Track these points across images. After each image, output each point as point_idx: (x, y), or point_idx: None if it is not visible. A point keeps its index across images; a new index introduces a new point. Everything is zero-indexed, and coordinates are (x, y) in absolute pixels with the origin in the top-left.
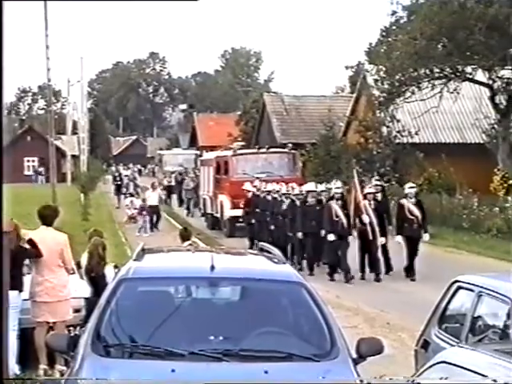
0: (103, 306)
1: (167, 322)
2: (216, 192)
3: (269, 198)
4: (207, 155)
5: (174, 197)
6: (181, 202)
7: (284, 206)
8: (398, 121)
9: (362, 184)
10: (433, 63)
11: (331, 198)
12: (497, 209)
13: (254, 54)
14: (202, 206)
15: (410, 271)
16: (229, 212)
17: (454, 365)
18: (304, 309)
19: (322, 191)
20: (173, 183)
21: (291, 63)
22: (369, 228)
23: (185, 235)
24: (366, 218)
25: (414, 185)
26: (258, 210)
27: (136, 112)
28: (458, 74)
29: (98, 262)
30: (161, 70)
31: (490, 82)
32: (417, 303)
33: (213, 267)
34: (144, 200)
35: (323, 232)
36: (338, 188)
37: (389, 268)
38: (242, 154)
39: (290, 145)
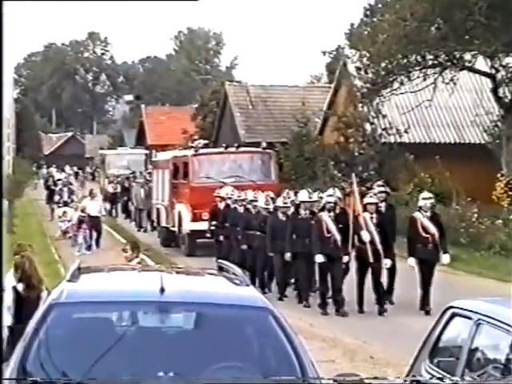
0: (30, 336)
1: (107, 356)
2: (173, 200)
3: (240, 209)
4: (161, 155)
5: (120, 207)
6: (127, 213)
7: (259, 220)
8: (384, 116)
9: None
10: (425, 48)
11: (322, 209)
12: (500, 221)
13: (214, 36)
14: (154, 218)
15: (424, 302)
16: (188, 225)
17: None
18: (270, 339)
19: (314, 201)
20: (118, 190)
21: (258, 47)
22: (369, 247)
23: (124, 249)
24: (365, 235)
25: (429, 195)
26: (227, 224)
27: (72, 103)
28: (455, 61)
29: (27, 282)
30: (102, 54)
31: (493, 71)
32: (404, 333)
33: (162, 290)
34: (83, 210)
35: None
36: (329, 196)
37: (390, 296)
38: (205, 154)
39: (264, 143)
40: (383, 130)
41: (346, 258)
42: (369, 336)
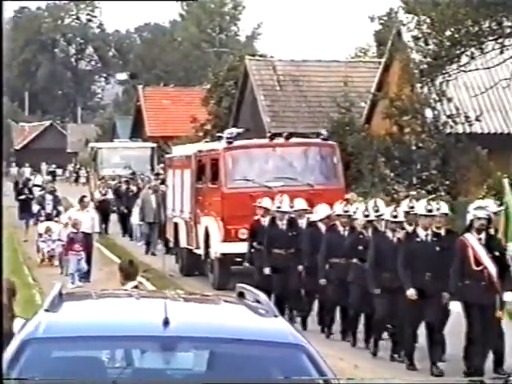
0: None
1: None
2: (197, 212)
3: (300, 222)
4: (179, 150)
5: (113, 220)
6: (125, 228)
7: (352, 242)
8: (450, 100)
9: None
10: (502, 13)
11: (468, 229)
12: None
13: None
14: (170, 236)
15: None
16: (219, 247)
17: None
18: None
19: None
20: (109, 196)
21: (286, 12)
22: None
23: (127, 272)
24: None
25: (489, 203)
26: (277, 249)
27: (50, 84)
28: None
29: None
30: (88, 21)
31: None
32: None
33: (167, 321)
34: (76, 225)
35: (446, 295)
36: (479, 209)
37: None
38: (242, 148)
39: (324, 132)
40: (448, 117)
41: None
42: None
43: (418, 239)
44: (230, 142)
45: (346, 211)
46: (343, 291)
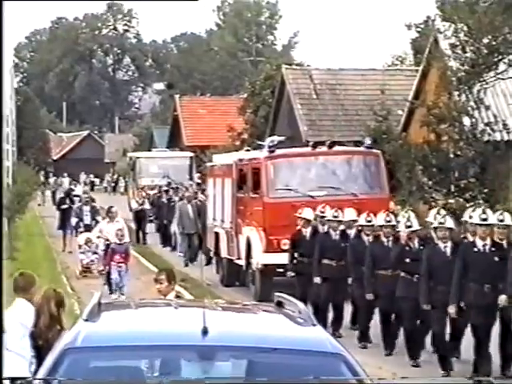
0: None
1: None
2: (238, 222)
3: (333, 234)
4: (220, 159)
5: (151, 229)
6: (165, 238)
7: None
8: (488, 107)
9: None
10: None
11: None
12: None
13: (268, 6)
14: (211, 246)
15: None
16: (261, 257)
17: None
18: None
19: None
20: (146, 206)
21: (323, 21)
22: None
23: (157, 279)
24: None
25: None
26: (327, 260)
27: (87, 94)
28: None
29: (49, 323)
30: (125, 31)
31: None
32: None
33: (205, 331)
34: (121, 236)
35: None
36: None
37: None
38: (284, 156)
39: (368, 140)
40: (486, 124)
41: None
42: None
43: (476, 249)
44: (271, 151)
45: (389, 221)
46: (388, 303)
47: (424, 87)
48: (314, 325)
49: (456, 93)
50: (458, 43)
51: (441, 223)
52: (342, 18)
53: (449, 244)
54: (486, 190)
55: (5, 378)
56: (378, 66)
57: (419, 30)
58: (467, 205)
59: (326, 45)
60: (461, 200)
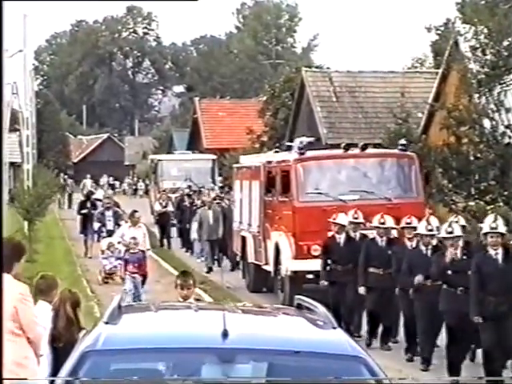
0: None
1: None
2: (266, 227)
3: (380, 241)
4: (247, 160)
5: (173, 233)
6: (184, 242)
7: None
8: (508, 110)
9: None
10: None
11: None
12: None
13: (287, 9)
14: (237, 250)
15: None
16: (290, 264)
17: None
18: None
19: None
20: (169, 208)
21: (342, 23)
22: None
23: (184, 284)
24: None
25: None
26: (374, 269)
27: (107, 97)
28: None
29: (66, 324)
30: (145, 34)
31: None
32: None
33: (226, 333)
34: (134, 244)
35: None
36: None
37: None
38: (315, 159)
39: (404, 141)
40: (506, 127)
41: None
42: None
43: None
44: (301, 153)
45: (431, 230)
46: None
47: (444, 89)
48: (335, 327)
49: (476, 95)
50: (478, 45)
51: (493, 228)
52: (361, 21)
53: (500, 251)
54: (506, 193)
55: (5, 379)
56: (397, 68)
57: (439, 32)
58: (487, 207)
59: (346, 47)
60: (481, 203)
